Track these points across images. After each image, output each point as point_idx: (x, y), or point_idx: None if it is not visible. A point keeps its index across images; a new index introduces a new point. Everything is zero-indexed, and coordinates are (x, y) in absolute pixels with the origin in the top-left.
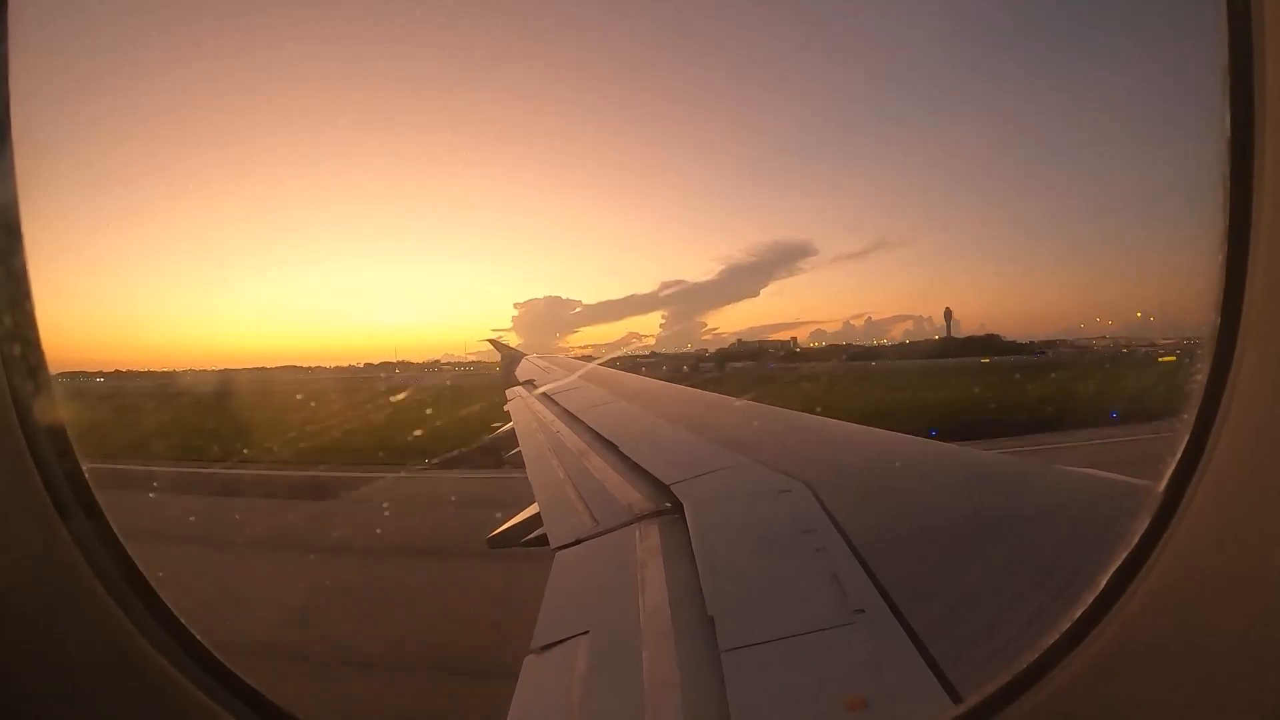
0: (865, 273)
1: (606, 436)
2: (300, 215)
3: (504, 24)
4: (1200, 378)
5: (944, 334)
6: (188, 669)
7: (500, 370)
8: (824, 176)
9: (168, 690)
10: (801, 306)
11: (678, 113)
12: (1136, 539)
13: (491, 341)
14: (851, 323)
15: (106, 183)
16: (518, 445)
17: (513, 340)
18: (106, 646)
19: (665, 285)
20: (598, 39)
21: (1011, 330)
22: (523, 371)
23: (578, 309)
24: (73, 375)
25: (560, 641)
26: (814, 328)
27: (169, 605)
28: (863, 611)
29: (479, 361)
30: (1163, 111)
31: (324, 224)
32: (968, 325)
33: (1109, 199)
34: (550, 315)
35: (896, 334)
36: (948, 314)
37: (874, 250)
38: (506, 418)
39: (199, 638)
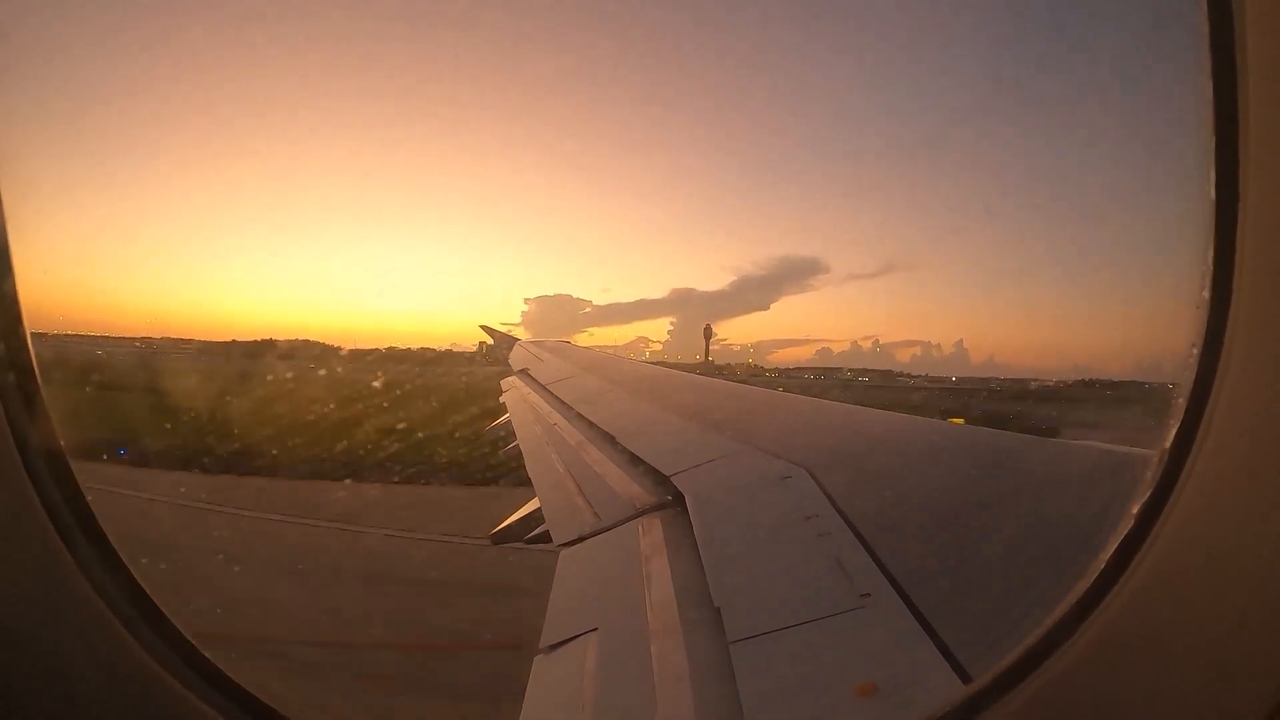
0: (876, 294)
1: (604, 428)
2: (317, 200)
3: (532, 38)
4: (1191, 367)
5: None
6: (198, 688)
7: (493, 357)
8: (840, 196)
9: (174, 708)
10: (811, 323)
11: (700, 123)
12: (1136, 516)
13: (484, 328)
14: (859, 343)
15: (102, 158)
16: (515, 439)
17: (520, 336)
18: (113, 669)
19: (675, 292)
20: (626, 53)
21: (1019, 364)
22: (516, 359)
23: (587, 309)
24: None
25: (569, 640)
26: (821, 345)
27: (176, 625)
28: (869, 595)
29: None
30: (1168, 139)
31: (344, 209)
32: (976, 355)
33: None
34: (560, 313)
35: (904, 358)
36: (707, 331)
37: (886, 272)
38: (503, 410)
39: (206, 654)
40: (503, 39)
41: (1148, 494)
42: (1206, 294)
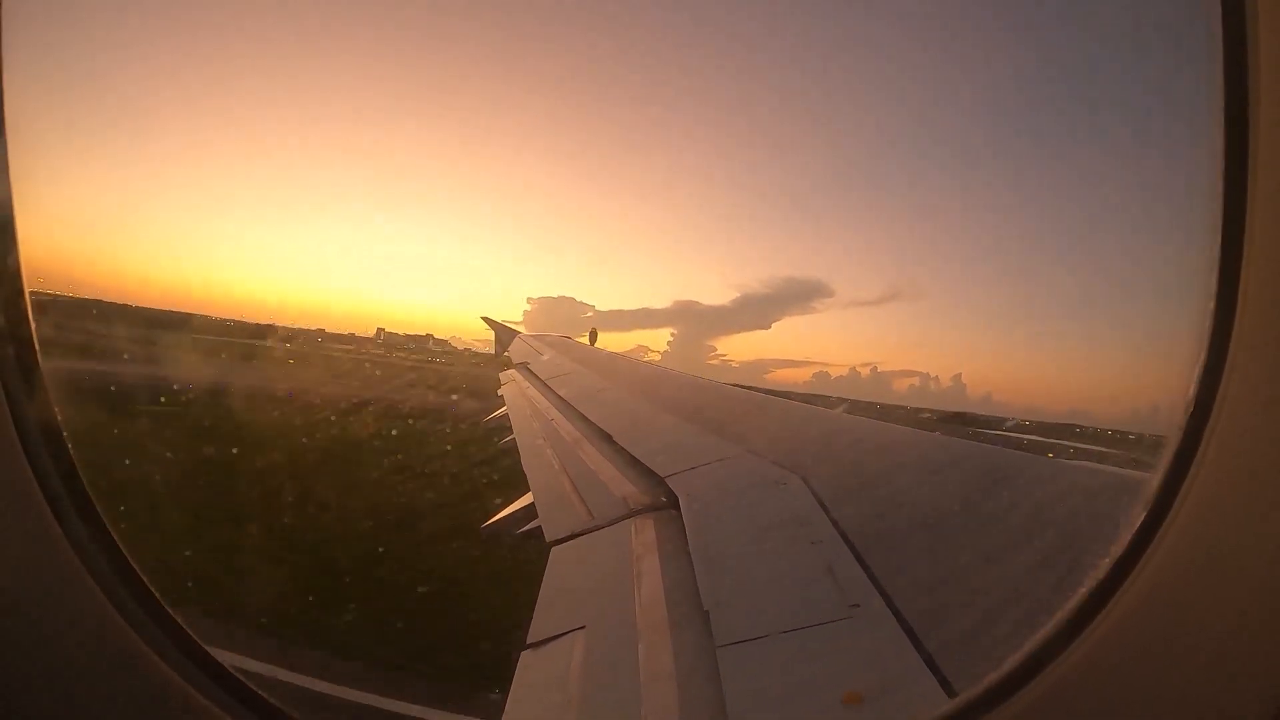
0: (878, 322)
1: (601, 426)
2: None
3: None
4: (1193, 377)
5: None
6: (184, 669)
7: (495, 349)
8: (849, 221)
9: (164, 691)
10: (811, 346)
11: (717, 139)
12: (1131, 533)
13: (486, 319)
14: (858, 369)
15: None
16: (512, 432)
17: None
18: (103, 648)
19: (678, 304)
20: (651, 73)
21: (1015, 404)
22: (516, 352)
23: (589, 313)
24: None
25: (556, 637)
26: (819, 369)
27: (166, 606)
28: (858, 606)
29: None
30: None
31: (359, 199)
32: (974, 390)
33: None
34: (562, 315)
35: (901, 388)
36: (592, 336)
37: (889, 300)
38: (501, 401)
39: (196, 638)
40: (532, 51)
41: (1149, 503)
42: (1211, 300)
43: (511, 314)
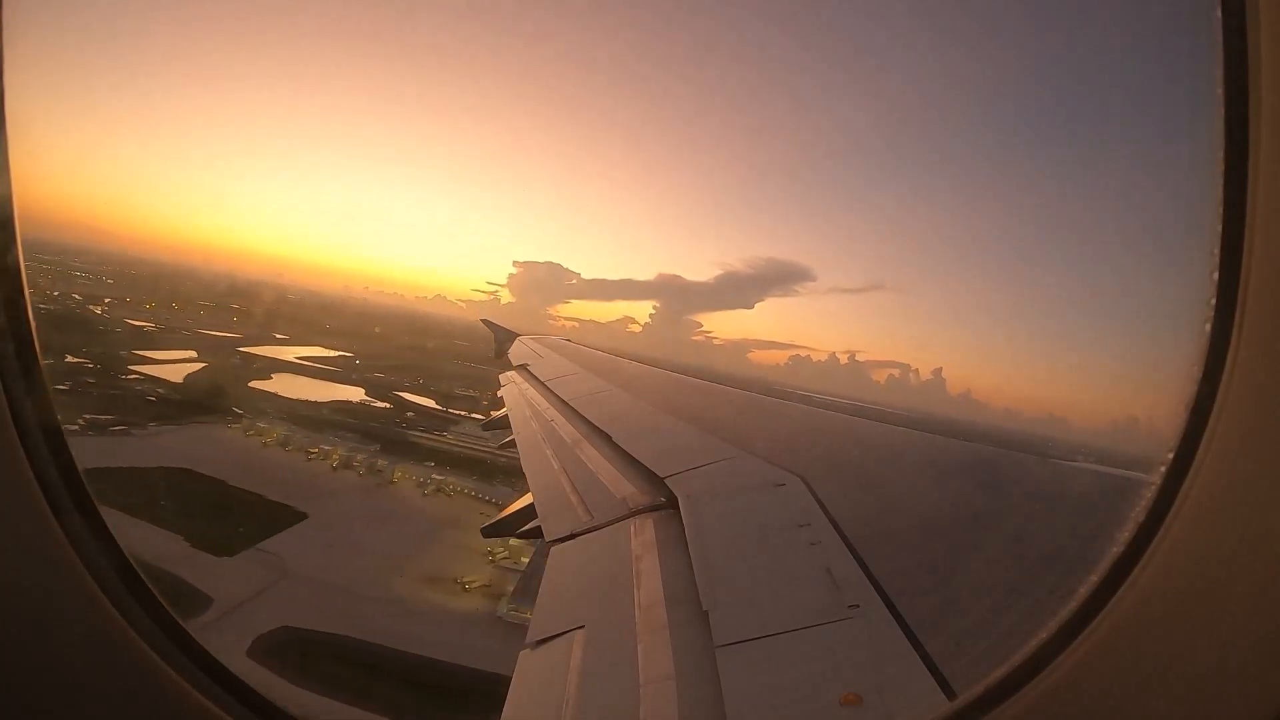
0: (859, 309)
1: (601, 427)
2: (322, 128)
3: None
4: (1193, 377)
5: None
6: (180, 664)
7: (494, 350)
8: (836, 205)
9: (164, 690)
10: (793, 329)
11: (708, 116)
12: (1131, 536)
13: (485, 321)
14: (837, 356)
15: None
16: (511, 433)
17: (505, 297)
18: (100, 642)
19: (662, 277)
20: (652, 50)
21: (994, 405)
22: (516, 354)
23: (574, 280)
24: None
25: (555, 636)
26: (800, 352)
27: (162, 601)
28: (857, 606)
29: None
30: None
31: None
32: (954, 386)
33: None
34: (547, 280)
35: (880, 378)
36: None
37: (873, 289)
38: (500, 403)
39: (192, 633)
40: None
41: (1149, 504)
42: (1211, 301)
43: (497, 275)
